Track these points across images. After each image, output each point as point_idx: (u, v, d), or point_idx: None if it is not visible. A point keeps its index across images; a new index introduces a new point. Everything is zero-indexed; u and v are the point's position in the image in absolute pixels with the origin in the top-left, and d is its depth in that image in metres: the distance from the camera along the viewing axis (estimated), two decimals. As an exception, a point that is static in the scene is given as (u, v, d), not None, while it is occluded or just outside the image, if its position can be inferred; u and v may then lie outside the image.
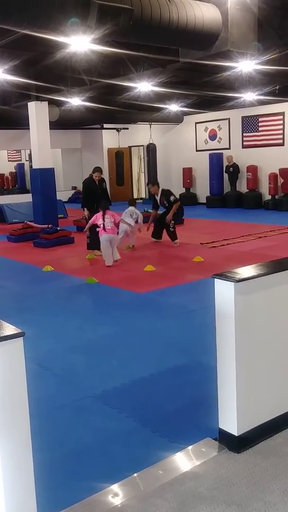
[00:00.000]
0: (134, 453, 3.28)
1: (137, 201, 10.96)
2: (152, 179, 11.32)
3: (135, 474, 2.98)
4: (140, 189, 22.82)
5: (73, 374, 4.62)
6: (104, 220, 8.93)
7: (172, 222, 10.71)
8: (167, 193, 11.01)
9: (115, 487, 2.87)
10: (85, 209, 10.44)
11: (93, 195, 10.32)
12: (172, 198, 10.86)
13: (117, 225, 9.25)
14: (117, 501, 2.75)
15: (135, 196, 22.51)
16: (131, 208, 10.49)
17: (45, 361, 4.87)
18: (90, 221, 9.35)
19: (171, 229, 10.71)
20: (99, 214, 9.06)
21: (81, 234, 10.80)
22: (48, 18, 5.89)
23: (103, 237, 8.95)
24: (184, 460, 3.12)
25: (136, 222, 10.34)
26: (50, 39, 7.12)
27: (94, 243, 10.11)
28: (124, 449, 3.35)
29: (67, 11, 5.94)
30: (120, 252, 9.49)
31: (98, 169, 10.53)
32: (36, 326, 5.86)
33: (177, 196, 11.81)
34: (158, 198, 10.99)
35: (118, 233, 9.40)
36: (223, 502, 2.70)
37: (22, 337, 2.21)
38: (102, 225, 8.93)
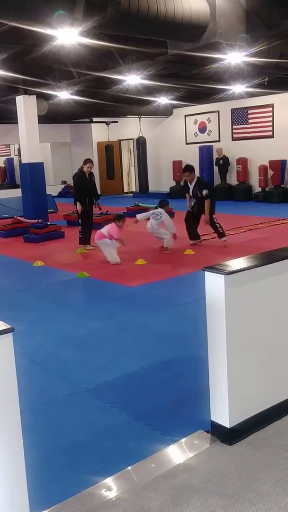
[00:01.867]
0: (126, 447, 3.28)
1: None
2: (187, 166, 9.95)
3: (128, 468, 2.98)
4: (130, 183, 22.76)
5: (64, 369, 4.61)
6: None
7: (215, 218, 9.90)
8: (202, 184, 10.06)
9: (108, 481, 2.87)
10: (77, 203, 10.41)
11: (85, 190, 10.27)
12: (204, 192, 9.76)
13: (111, 237, 8.82)
14: (110, 494, 2.76)
15: (125, 190, 22.49)
16: (158, 210, 9.78)
17: (36, 356, 4.86)
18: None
19: (217, 225, 9.94)
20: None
21: (72, 228, 10.71)
22: (35, 9, 5.84)
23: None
24: (176, 453, 3.13)
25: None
26: (38, 32, 7.05)
27: (86, 238, 10.14)
28: (117, 443, 3.35)
29: (54, 3, 5.89)
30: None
31: (89, 161, 10.46)
32: (27, 321, 5.85)
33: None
34: (191, 186, 9.97)
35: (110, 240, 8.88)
36: (216, 494, 2.71)
37: (11, 333, 2.20)
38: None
